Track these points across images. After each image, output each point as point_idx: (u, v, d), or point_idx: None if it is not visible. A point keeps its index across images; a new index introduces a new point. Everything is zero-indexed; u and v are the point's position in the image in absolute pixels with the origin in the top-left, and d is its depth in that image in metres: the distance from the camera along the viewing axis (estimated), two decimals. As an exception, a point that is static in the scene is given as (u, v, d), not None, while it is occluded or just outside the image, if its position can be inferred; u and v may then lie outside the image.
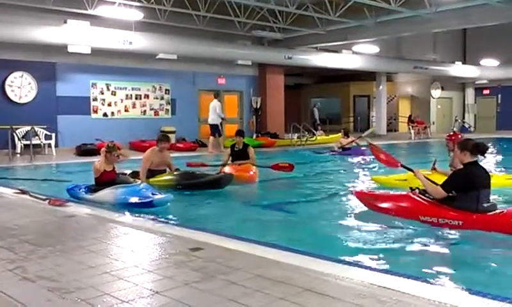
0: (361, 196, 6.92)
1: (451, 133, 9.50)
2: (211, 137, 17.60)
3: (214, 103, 17.77)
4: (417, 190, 6.08)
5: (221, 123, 18.03)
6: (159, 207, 6.99)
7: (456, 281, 3.99)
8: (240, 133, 10.72)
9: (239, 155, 10.32)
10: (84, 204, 7.25)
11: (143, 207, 6.89)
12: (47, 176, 11.20)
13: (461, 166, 5.73)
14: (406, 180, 8.15)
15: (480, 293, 3.48)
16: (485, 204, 5.50)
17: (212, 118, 17.62)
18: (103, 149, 7.67)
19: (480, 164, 5.72)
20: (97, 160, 7.82)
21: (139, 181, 8.00)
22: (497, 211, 5.52)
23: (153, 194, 7.17)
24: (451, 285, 3.91)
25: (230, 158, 10.37)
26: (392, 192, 7.05)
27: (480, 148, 5.61)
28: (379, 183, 9.10)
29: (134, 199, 7.06)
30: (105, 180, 7.58)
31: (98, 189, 7.56)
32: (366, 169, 12.27)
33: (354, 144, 15.99)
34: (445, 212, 5.60)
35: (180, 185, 8.61)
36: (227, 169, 9.81)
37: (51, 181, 10.33)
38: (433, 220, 5.66)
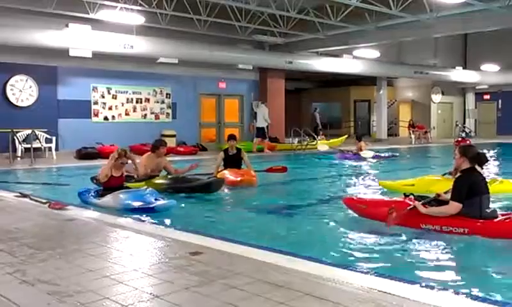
0: (351, 202, 6.71)
1: (459, 138, 9.48)
2: (259, 139, 19.56)
3: (263, 109, 19.83)
4: (412, 196, 5.92)
5: (267, 127, 19.81)
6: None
7: (456, 286, 3.98)
8: (233, 137, 10.65)
9: (233, 159, 10.26)
10: (84, 208, 7.26)
11: (144, 212, 6.88)
12: (47, 179, 11.21)
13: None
14: (413, 185, 8.06)
15: (479, 298, 3.47)
16: (488, 210, 5.44)
17: (260, 122, 19.63)
18: (113, 154, 7.63)
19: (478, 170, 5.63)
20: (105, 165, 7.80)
21: (144, 187, 8.00)
22: (502, 217, 5.41)
23: (156, 199, 7.17)
24: (452, 290, 3.90)
25: (222, 163, 10.31)
26: (386, 199, 6.83)
27: (479, 159, 5.54)
28: (386, 188, 8.99)
29: (138, 204, 7.06)
30: (112, 185, 7.55)
31: (105, 194, 7.53)
32: (374, 174, 12.22)
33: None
34: (448, 219, 5.45)
35: (170, 189, 8.55)
36: (227, 173, 9.77)
37: (51, 185, 10.34)
38: (436, 228, 5.51)
